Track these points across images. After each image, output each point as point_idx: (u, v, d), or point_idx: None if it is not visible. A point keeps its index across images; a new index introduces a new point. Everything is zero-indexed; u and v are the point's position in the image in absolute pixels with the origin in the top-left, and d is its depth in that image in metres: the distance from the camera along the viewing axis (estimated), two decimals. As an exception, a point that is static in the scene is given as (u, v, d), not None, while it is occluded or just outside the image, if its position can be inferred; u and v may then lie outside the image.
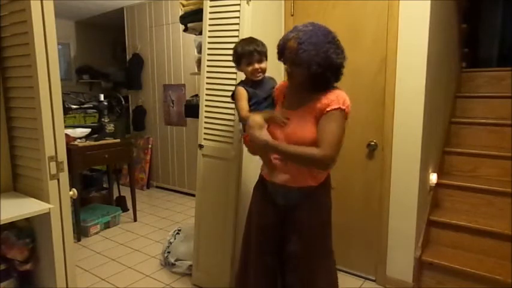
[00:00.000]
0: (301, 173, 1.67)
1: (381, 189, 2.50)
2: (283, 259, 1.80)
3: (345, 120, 1.62)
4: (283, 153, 1.65)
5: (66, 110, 3.39)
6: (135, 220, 3.87)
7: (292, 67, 1.61)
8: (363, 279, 2.64)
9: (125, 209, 4.04)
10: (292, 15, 2.74)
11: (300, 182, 1.69)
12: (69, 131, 3.40)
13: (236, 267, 2.39)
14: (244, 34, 2.20)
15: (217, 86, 2.35)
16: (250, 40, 1.89)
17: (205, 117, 2.41)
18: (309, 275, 1.74)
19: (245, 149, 2.24)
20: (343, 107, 1.58)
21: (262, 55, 1.86)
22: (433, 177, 2.72)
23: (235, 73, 2.24)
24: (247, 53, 1.83)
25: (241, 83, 1.93)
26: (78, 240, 3.35)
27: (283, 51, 1.64)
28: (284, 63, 1.67)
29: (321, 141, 1.56)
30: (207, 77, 2.39)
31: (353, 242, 2.67)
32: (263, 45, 1.88)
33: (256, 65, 1.84)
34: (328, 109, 1.58)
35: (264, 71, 1.88)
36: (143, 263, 2.95)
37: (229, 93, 2.26)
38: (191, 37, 2.99)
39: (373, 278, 2.62)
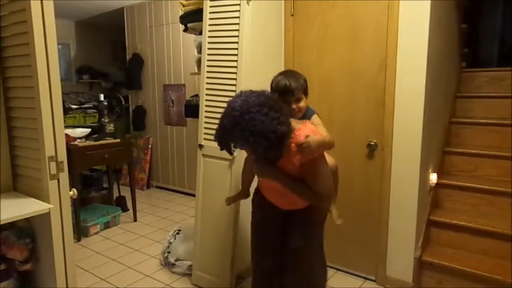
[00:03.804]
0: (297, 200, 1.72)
1: (380, 190, 2.50)
2: (282, 258, 1.84)
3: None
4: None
5: (66, 110, 3.39)
6: (135, 220, 3.87)
7: None
8: (363, 279, 2.64)
9: (124, 209, 4.04)
10: (292, 15, 2.73)
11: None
12: (69, 131, 3.40)
13: (236, 267, 2.40)
14: (244, 34, 2.20)
15: (217, 86, 2.35)
16: (288, 75, 1.74)
17: (205, 117, 2.41)
18: (308, 270, 1.81)
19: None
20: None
21: (296, 94, 1.70)
22: (433, 177, 2.72)
23: (235, 73, 2.24)
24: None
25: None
26: (78, 240, 3.35)
27: None
28: None
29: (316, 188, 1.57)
30: (207, 77, 2.39)
31: (353, 242, 2.67)
32: (301, 81, 1.73)
33: (294, 105, 1.72)
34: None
35: (301, 110, 1.75)
36: (143, 263, 2.95)
37: (230, 93, 2.26)
38: (191, 37, 2.98)
39: (373, 278, 2.62)
